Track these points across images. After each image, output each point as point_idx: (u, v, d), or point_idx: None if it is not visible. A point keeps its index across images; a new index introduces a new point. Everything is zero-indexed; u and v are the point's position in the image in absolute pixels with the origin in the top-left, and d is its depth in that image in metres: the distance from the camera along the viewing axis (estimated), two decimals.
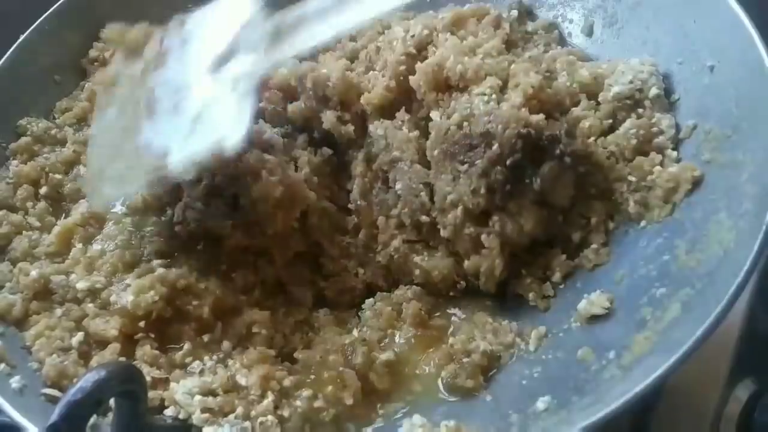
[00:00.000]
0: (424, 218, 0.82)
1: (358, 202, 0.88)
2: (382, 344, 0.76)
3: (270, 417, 0.67)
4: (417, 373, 0.74)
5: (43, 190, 0.90)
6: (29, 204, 0.89)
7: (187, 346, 0.74)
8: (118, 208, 0.87)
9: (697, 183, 0.73)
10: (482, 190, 0.76)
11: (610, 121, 0.81)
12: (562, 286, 0.78)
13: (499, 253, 0.77)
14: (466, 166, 0.77)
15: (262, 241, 0.82)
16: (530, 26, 0.96)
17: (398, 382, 0.73)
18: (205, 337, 0.75)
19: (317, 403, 0.69)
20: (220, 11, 0.81)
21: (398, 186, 0.84)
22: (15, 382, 0.70)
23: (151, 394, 0.68)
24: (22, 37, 0.97)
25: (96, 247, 0.84)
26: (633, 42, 0.87)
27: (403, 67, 0.88)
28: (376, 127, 0.88)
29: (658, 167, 0.76)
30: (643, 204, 0.76)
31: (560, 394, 0.66)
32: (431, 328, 0.78)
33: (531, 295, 0.78)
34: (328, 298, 0.85)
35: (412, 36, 0.91)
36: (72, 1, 1.02)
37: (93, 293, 0.79)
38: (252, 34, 0.75)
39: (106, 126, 0.84)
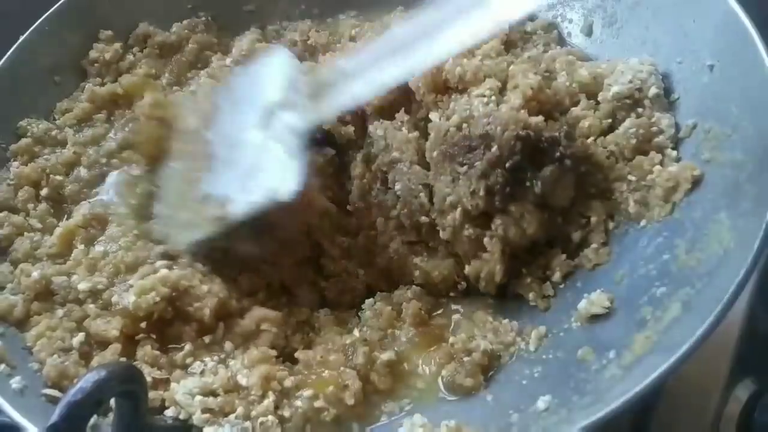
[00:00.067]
0: (423, 219, 0.82)
1: (357, 203, 0.88)
2: (383, 344, 0.76)
3: (270, 417, 0.67)
4: (418, 373, 0.74)
5: (44, 192, 0.90)
6: (30, 205, 0.89)
7: (188, 346, 0.74)
8: (123, 210, 0.88)
9: (696, 182, 0.72)
10: (481, 192, 0.76)
11: (610, 120, 0.81)
12: (562, 286, 0.78)
13: (500, 258, 0.77)
14: (465, 167, 0.77)
15: (272, 246, 0.82)
16: (529, 26, 0.96)
17: (399, 382, 0.73)
18: (207, 338, 0.75)
19: (318, 403, 0.68)
20: (264, 68, 0.87)
21: (397, 187, 0.84)
22: (15, 382, 0.71)
23: (151, 394, 0.68)
24: (22, 37, 0.97)
25: (98, 248, 0.84)
26: (632, 42, 0.87)
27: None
28: (376, 128, 0.88)
29: (658, 167, 0.76)
30: (643, 203, 0.76)
31: (560, 393, 0.66)
32: (432, 328, 0.78)
33: (531, 295, 0.78)
34: (328, 299, 0.85)
35: None
36: (72, 1, 1.02)
37: (94, 294, 0.79)
38: (295, 91, 0.81)
39: (171, 176, 0.88)
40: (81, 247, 0.84)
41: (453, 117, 0.81)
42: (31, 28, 0.98)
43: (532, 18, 0.97)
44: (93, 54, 1.03)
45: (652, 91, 0.79)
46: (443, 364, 0.74)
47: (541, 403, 0.66)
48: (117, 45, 1.03)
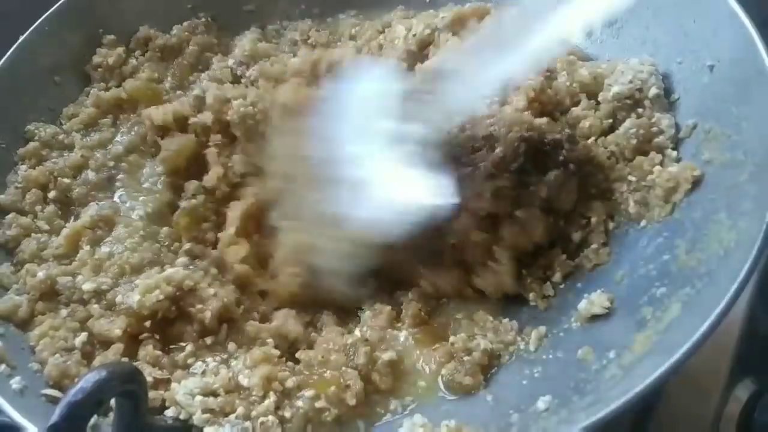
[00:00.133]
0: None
1: None
2: (384, 344, 0.76)
3: (271, 417, 0.67)
4: (418, 372, 0.74)
5: (51, 194, 0.90)
6: (38, 208, 0.89)
7: (189, 347, 0.75)
8: (136, 214, 0.88)
9: (697, 183, 0.73)
10: (487, 194, 0.75)
11: (610, 120, 0.81)
12: (562, 286, 0.78)
13: (511, 270, 0.76)
14: (470, 168, 0.77)
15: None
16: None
17: (400, 382, 0.73)
18: (208, 339, 0.76)
19: (319, 404, 0.68)
20: (369, 83, 0.84)
21: None
22: (15, 382, 0.71)
23: (152, 394, 0.68)
24: (22, 37, 0.97)
25: (104, 249, 0.84)
26: (632, 42, 0.87)
27: (405, 65, 0.88)
28: None
29: (658, 167, 0.76)
30: (643, 204, 0.76)
31: (561, 393, 0.66)
32: (432, 327, 0.78)
33: (531, 295, 0.78)
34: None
35: (414, 35, 0.91)
36: (72, 1, 1.02)
37: (99, 294, 0.79)
38: (415, 102, 0.79)
39: (298, 204, 0.85)
40: (87, 247, 0.84)
41: None
42: (31, 28, 0.98)
43: None
44: (96, 59, 1.03)
45: (653, 91, 0.79)
46: (443, 363, 0.74)
47: (541, 403, 0.66)
48: (119, 49, 1.04)
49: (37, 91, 0.98)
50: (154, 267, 0.82)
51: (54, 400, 0.70)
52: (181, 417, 0.68)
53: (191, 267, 0.81)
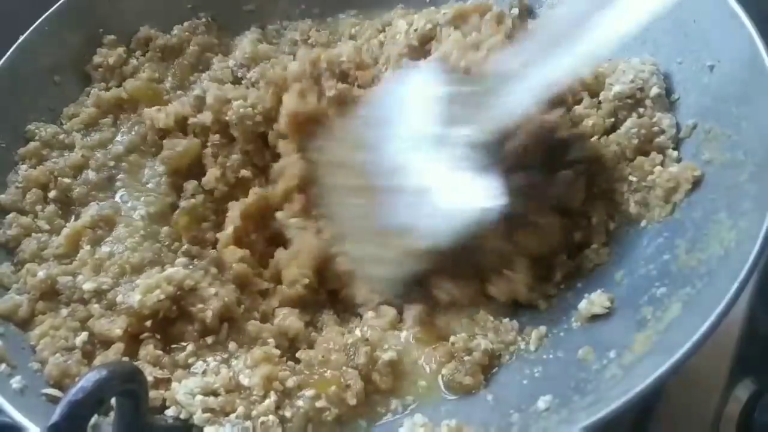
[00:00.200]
0: None
1: None
2: (384, 344, 0.76)
3: (271, 417, 0.67)
4: (419, 372, 0.74)
5: (51, 194, 0.90)
6: (38, 207, 0.89)
7: (190, 346, 0.75)
8: (137, 214, 0.87)
9: (697, 183, 0.73)
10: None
11: (612, 120, 0.81)
12: (562, 286, 0.78)
13: (527, 280, 0.76)
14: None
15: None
16: (531, 25, 0.96)
17: (400, 381, 0.73)
18: (209, 339, 0.76)
19: (320, 403, 0.69)
20: (414, 87, 0.82)
21: None
22: (16, 382, 0.71)
23: (152, 394, 0.68)
24: (22, 37, 0.97)
25: (105, 249, 0.84)
26: (632, 41, 0.87)
27: (406, 60, 0.88)
28: None
29: (659, 167, 0.76)
30: (643, 204, 0.76)
31: (561, 393, 0.66)
32: (432, 327, 0.78)
33: (532, 295, 0.78)
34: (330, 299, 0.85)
35: (415, 30, 0.91)
36: (72, 1, 1.01)
37: (99, 294, 0.79)
38: (462, 105, 0.77)
39: (346, 213, 0.84)
40: (87, 247, 0.84)
41: None
42: (31, 28, 0.98)
43: (533, 16, 0.97)
44: (96, 59, 1.03)
45: (654, 90, 0.79)
46: (444, 362, 0.74)
47: (542, 402, 0.66)
48: (120, 50, 1.03)
49: (38, 91, 0.98)
50: (154, 267, 0.82)
51: (54, 400, 0.70)
52: (182, 416, 0.68)
53: (191, 267, 0.81)
